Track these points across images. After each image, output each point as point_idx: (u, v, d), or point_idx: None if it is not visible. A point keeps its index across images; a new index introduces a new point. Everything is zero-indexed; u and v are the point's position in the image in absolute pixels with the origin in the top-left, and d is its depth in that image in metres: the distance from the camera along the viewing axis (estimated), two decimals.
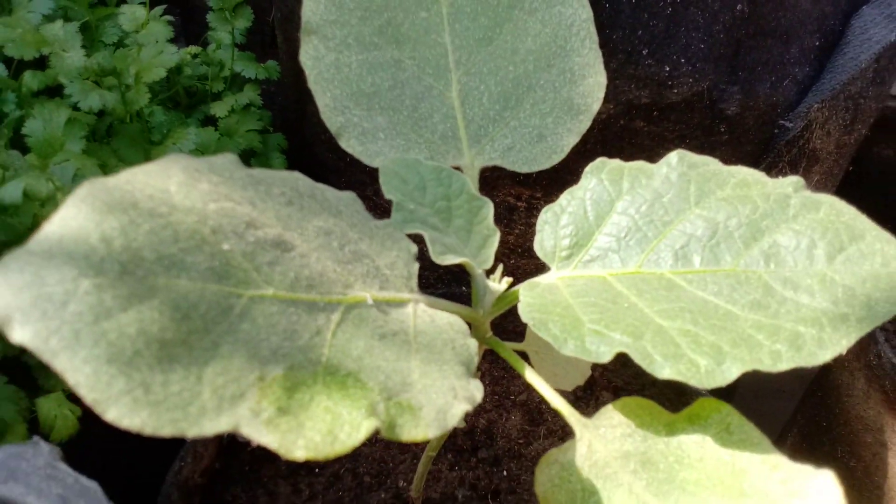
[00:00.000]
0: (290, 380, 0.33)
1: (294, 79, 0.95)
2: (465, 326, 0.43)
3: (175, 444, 0.64)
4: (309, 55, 0.53)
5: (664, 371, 0.38)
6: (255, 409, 0.31)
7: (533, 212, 0.79)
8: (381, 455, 0.73)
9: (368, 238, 0.44)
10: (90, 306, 0.29)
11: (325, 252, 0.41)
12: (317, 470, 0.71)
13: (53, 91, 0.75)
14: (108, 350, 0.29)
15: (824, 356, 0.38)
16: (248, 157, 0.81)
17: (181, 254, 0.33)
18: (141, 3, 0.90)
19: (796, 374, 1.31)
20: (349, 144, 0.53)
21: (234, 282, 0.35)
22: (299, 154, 0.92)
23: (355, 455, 0.72)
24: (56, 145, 0.61)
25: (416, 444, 0.75)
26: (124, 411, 0.28)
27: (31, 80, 0.65)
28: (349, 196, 0.46)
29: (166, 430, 0.29)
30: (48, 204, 0.59)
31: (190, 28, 1.24)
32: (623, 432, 0.43)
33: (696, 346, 0.39)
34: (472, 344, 0.42)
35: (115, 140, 0.68)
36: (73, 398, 0.56)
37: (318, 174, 0.93)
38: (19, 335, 0.28)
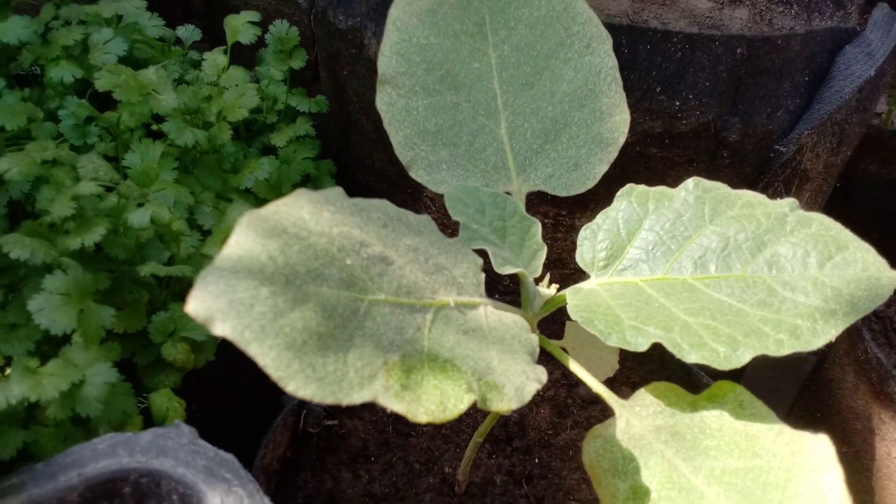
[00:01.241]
0: (405, 364, 0.43)
1: (338, 111, 1.05)
2: (527, 324, 0.53)
3: (255, 436, 0.73)
4: (384, 101, 0.63)
5: (691, 356, 0.48)
6: (386, 385, 0.41)
7: (559, 227, 0.89)
8: (429, 445, 0.83)
9: (445, 253, 0.54)
10: (270, 307, 0.39)
11: (415, 265, 0.51)
12: (373, 458, 0.80)
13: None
14: (286, 340, 0.39)
15: (818, 343, 0.48)
16: (305, 183, 0.91)
17: (321, 267, 0.43)
18: (196, 45, 1.00)
19: (792, 375, 1.41)
20: (418, 175, 0.63)
21: (357, 289, 0.45)
22: (344, 179, 1.02)
23: (405, 445, 0.82)
24: (152, 176, 0.71)
25: (458, 436, 0.84)
26: (300, 385, 0.38)
27: (128, 118, 0.75)
28: (426, 219, 0.56)
29: (329, 399, 0.39)
30: (152, 229, 0.69)
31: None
32: (654, 410, 0.53)
33: (715, 336, 0.49)
34: (534, 338, 0.52)
35: (197, 170, 0.77)
36: (178, 392, 0.66)
37: (361, 196, 1.03)
38: (220, 329, 0.38)
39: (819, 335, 0.48)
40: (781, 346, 0.48)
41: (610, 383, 0.91)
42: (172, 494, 0.48)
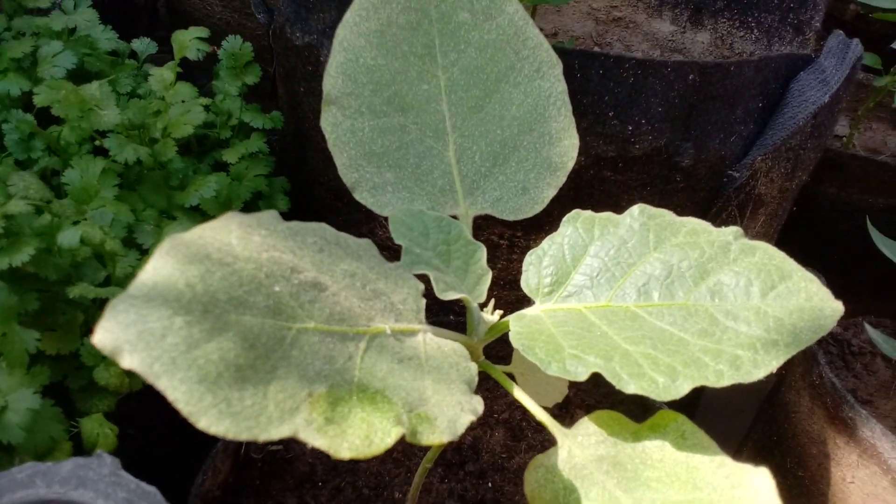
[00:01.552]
0: (332, 396, 0.42)
1: (294, 127, 1.03)
2: (466, 352, 0.52)
3: (194, 461, 0.71)
4: (329, 122, 0.62)
5: (630, 387, 0.47)
6: (308, 419, 0.40)
7: (514, 249, 0.89)
8: (378, 469, 0.81)
9: (384, 278, 0.53)
10: (183, 338, 0.37)
11: (350, 291, 0.49)
12: (320, 483, 0.78)
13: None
14: (198, 373, 0.37)
15: (758, 374, 0.47)
16: (257, 200, 0.89)
17: (245, 295, 0.42)
18: (150, 60, 0.98)
19: (754, 396, 1.40)
20: (362, 196, 0.61)
21: (284, 317, 0.43)
22: (299, 195, 1.01)
23: (355, 469, 0.80)
24: (92, 192, 0.69)
25: (409, 460, 0.83)
26: (212, 420, 0.36)
27: (69, 134, 0.73)
28: (366, 243, 0.55)
29: (243, 436, 0.37)
30: (85, 248, 0.66)
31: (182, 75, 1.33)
32: (597, 440, 0.52)
33: (655, 366, 0.48)
34: (473, 367, 0.50)
35: (141, 187, 0.76)
36: (110, 418, 0.63)
37: (317, 213, 1.02)
38: (128, 362, 0.36)
39: (759, 366, 0.47)
40: (721, 377, 0.47)
41: (564, 407, 0.90)
42: None
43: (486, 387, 0.91)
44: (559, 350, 0.50)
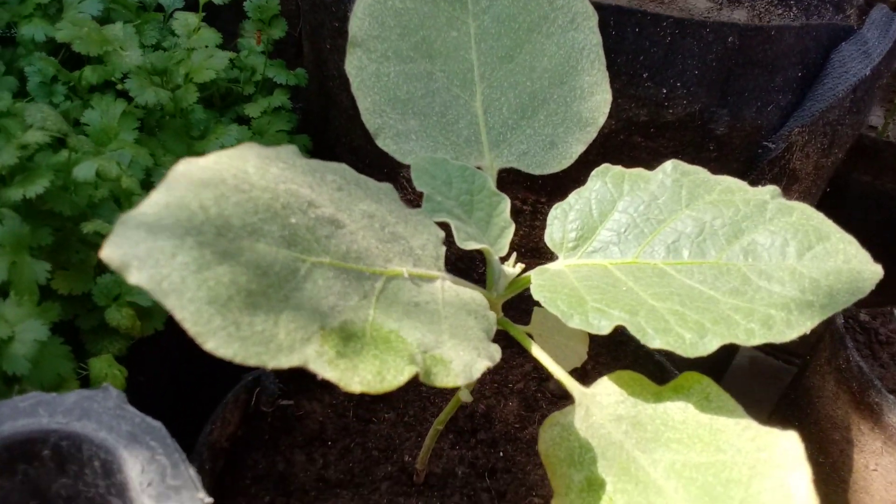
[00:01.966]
0: (345, 331, 0.40)
1: (319, 86, 1.02)
2: (486, 301, 0.50)
3: (204, 412, 0.70)
4: (353, 65, 0.60)
5: (655, 342, 0.45)
6: (320, 350, 0.38)
7: (537, 215, 0.86)
8: (389, 432, 0.79)
9: (404, 223, 0.51)
10: (194, 258, 0.36)
11: (368, 231, 0.48)
12: (329, 443, 0.77)
13: (94, 87, 0.82)
14: (209, 294, 0.35)
15: (791, 334, 0.45)
16: None
17: (260, 223, 0.40)
18: (185, 10, 0.97)
19: (772, 385, 1.37)
20: (385, 143, 0.60)
21: (300, 249, 0.41)
22: (321, 155, 0.99)
23: (365, 431, 0.79)
24: (111, 134, 0.68)
25: (420, 425, 0.81)
26: (220, 343, 0.35)
27: (90, 74, 0.72)
28: (387, 186, 0.53)
29: (252, 361, 0.35)
30: (102, 186, 0.65)
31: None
32: (616, 399, 0.50)
33: (682, 322, 0.45)
34: (492, 315, 0.49)
35: (162, 133, 0.74)
36: (121, 362, 0.62)
37: None
38: (136, 278, 0.35)
39: (793, 326, 0.45)
40: (752, 335, 0.45)
41: (582, 378, 0.88)
42: (94, 460, 0.45)
43: (503, 357, 0.89)
44: (582, 303, 0.48)
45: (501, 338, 0.62)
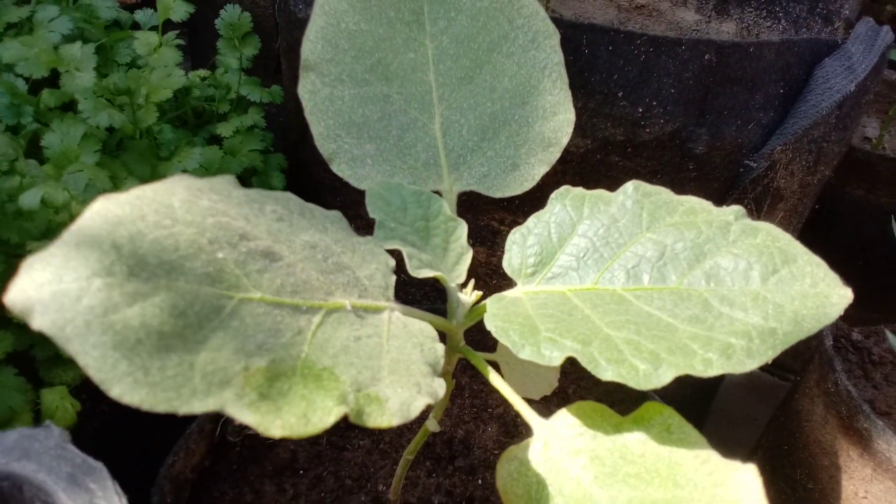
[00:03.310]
0: (272, 371, 0.38)
1: (296, 103, 1.00)
2: (435, 333, 0.48)
3: (168, 442, 0.68)
4: (306, 89, 0.58)
5: (607, 373, 0.42)
6: (240, 393, 0.36)
7: (506, 226, 0.84)
8: (363, 460, 0.77)
9: (351, 252, 0.49)
10: (100, 301, 0.34)
11: (310, 263, 0.46)
12: (301, 472, 0.75)
13: (68, 107, 0.81)
14: (114, 338, 0.34)
15: (752, 364, 0.43)
16: (251, 176, 0.86)
17: (181, 260, 0.38)
18: (153, 29, 0.96)
19: (768, 404, 1.34)
20: (340, 168, 0.58)
21: (226, 285, 0.40)
22: (298, 173, 0.98)
23: (338, 459, 0.77)
24: (71, 157, 0.67)
25: (396, 452, 0.79)
26: (126, 389, 0.33)
27: (48, 97, 0.71)
28: (335, 214, 0.51)
29: (161, 407, 0.34)
30: (62, 211, 0.64)
31: (199, 51, 1.31)
32: (575, 432, 0.48)
33: (637, 352, 0.43)
34: (440, 347, 0.47)
35: (125, 155, 0.73)
36: (74, 392, 0.61)
37: (315, 192, 0.98)
38: (38, 323, 0.33)
39: (754, 356, 0.43)
40: (710, 365, 0.42)
41: (563, 403, 0.86)
42: (35, 501, 0.43)
43: (482, 380, 0.87)
44: (535, 333, 0.46)
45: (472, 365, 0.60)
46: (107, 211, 0.38)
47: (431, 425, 0.62)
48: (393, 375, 0.42)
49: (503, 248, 0.88)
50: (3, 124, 0.78)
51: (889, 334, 0.87)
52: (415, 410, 0.40)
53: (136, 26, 1.01)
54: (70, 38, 0.87)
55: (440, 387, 0.43)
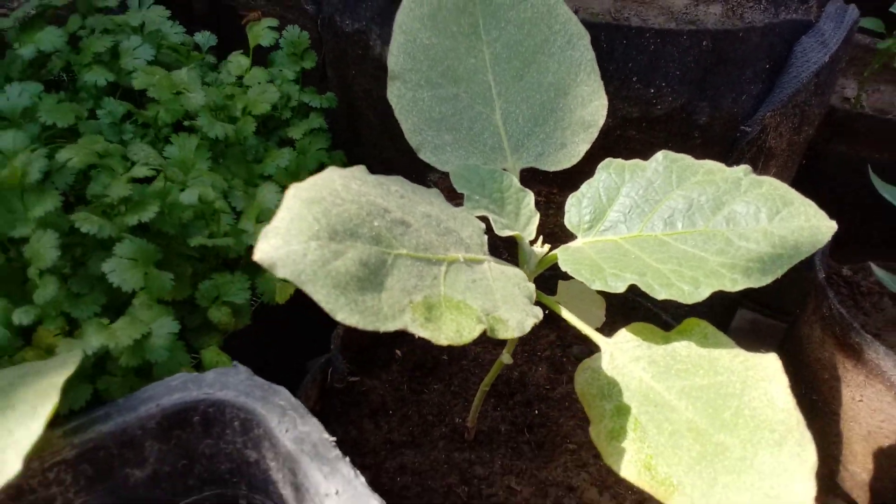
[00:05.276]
0: (426, 303, 0.53)
1: (347, 107, 1.14)
2: (525, 275, 0.63)
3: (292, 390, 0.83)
4: (394, 94, 0.73)
5: (661, 294, 0.58)
6: (412, 318, 0.51)
7: (550, 205, 0.99)
8: (439, 400, 0.92)
9: (452, 219, 0.64)
10: (318, 257, 0.49)
11: (428, 228, 0.60)
12: (390, 412, 0.90)
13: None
14: (332, 281, 0.48)
15: (766, 280, 0.58)
16: (319, 171, 1.00)
17: (355, 227, 0.53)
18: (210, 51, 1.10)
19: (772, 343, 1.49)
20: (426, 156, 0.73)
21: (385, 245, 0.54)
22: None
23: (419, 401, 0.92)
24: (189, 164, 0.81)
25: (466, 392, 0.94)
26: (346, 315, 0.48)
27: (164, 115, 0.85)
28: (435, 191, 0.66)
29: (370, 326, 0.48)
30: (210, 205, 0.78)
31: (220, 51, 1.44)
32: (634, 345, 0.63)
33: (681, 278, 0.58)
34: (531, 285, 0.62)
35: (226, 161, 0.87)
36: (223, 349, 0.75)
37: None
38: (281, 273, 0.48)
39: (767, 273, 0.58)
40: (736, 283, 0.58)
41: (612, 332, 1.01)
42: (234, 421, 0.58)
43: (532, 329, 1.02)
44: (601, 270, 0.61)
45: None
46: (300, 195, 0.52)
47: (506, 358, 0.77)
48: (506, 304, 0.57)
49: (542, 214, 1.03)
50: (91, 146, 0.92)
51: (874, 267, 1.02)
52: (527, 326, 0.55)
53: (196, 48, 1.14)
54: (150, 64, 1.01)
55: (539, 312, 0.58)
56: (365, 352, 0.94)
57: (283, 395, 0.58)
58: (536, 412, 0.93)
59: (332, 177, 0.57)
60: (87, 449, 0.53)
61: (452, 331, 0.51)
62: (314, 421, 0.55)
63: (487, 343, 1.01)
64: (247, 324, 0.78)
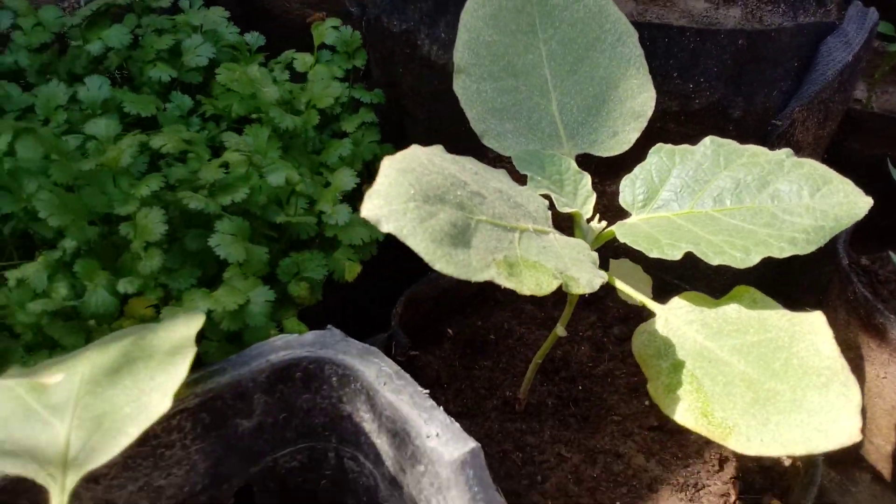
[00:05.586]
0: (507, 261, 0.59)
1: (393, 103, 1.21)
2: (587, 245, 0.69)
3: None
4: (459, 86, 0.79)
5: (715, 260, 0.63)
6: (497, 272, 0.57)
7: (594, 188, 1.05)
8: (489, 376, 0.98)
9: (519, 195, 0.70)
10: (417, 215, 0.55)
11: (500, 201, 0.67)
12: (445, 385, 0.96)
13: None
14: (430, 236, 0.54)
15: (810, 248, 0.64)
16: (374, 161, 1.07)
17: (442, 194, 0.59)
18: (260, 51, 1.16)
19: None
20: (489, 142, 0.79)
21: (468, 211, 0.60)
22: None
23: (470, 376, 0.97)
24: (262, 153, 0.87)
25: (514, 368, 1.00)
26: (443, 266, 0.54)
27: (238, 107, 0.91)
28: (503, 171, 0.72)
29: (463, 276, 0.54)
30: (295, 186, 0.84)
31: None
32: (687, 310, 0.69)
33: (733, 247, 0.64)
34: (594, 253, 0.68)
35: (291, 151, 0.94)
36: (301, 319, 0.81)
37: None
38: (386, 228, 0.54)
39: (811, 243, 0.64)
40: (783, 251, 0.64)
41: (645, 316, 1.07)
42: (332, 377, 0.64)
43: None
44: (658, 242, 0.67)
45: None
46: (395, 165, 0.58)
47: (560, 331, 0.83)
48: (574, 266, 0.63)
49: None
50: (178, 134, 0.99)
51: (893, 255, 1.08)
52: (596, 284, 0.61)
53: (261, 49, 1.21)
54: (209, 62, 1.08)
55: (604, 275, 0.64)
56: (419, 331, 1.00)
57: (377, 354, 0.64)
58: (580, 388, 0.99)
59: (418, 153, 0.63)
60: (207, 399, 0.59)
61: (533, 284, 0.57)
62: (407, 376, 0.61)
63: (531, 324, 1.07)
64: (318, 299, 0.84)
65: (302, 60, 1.01)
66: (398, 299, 0.98)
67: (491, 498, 0.55)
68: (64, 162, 0.70)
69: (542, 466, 0.86)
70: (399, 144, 1.24)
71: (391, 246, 1.00)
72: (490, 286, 0.99)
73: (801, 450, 0.54)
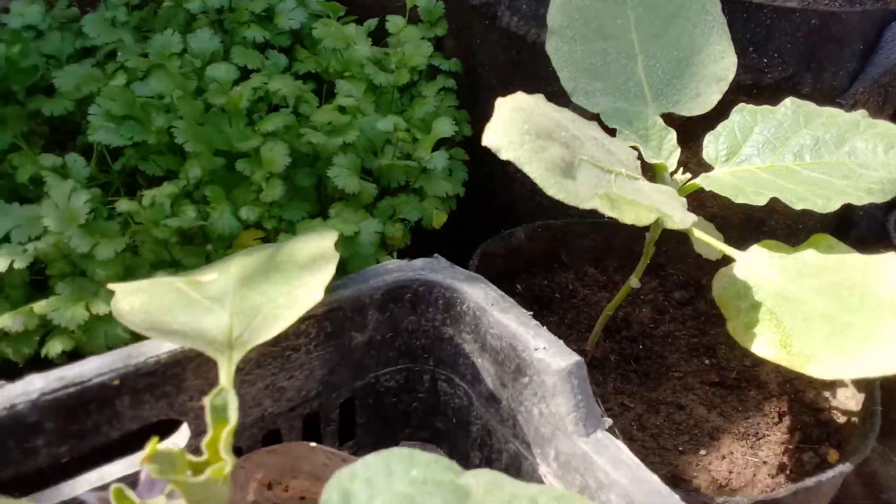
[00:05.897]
0: (607, 196, 0.64)
1: (467, 74, 1.27)
2: (675, 190, 0.74)
3: None
4: (552, 47, 0.85)
5: (798, 205, 0.68)
6: (601, 203, 0.62)
7: None
8: (556, 331, 1.02)
9: (611, 144, 0.75)
10: (532, 147, 0.60)
11: (596, 147, 0.72)
12: None
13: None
14: (544, 165, 0.60)
15: (885, 197, 0.68)
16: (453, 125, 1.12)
17: (549, 133, 0.65)
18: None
19: None
20: (578, 99, 0.84)
21: (571, 150, 0.66)
22: (473, 126, 1.24)
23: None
24: (362, 106, 0.93)
25: (578, 325, 1.05)
26: (556, 191, 0.59)
27: (335, 62, 0.98)
28: (594, 124, 0.77)
29: (572, 202, 0.60)
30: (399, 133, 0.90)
31: None
32: (766, 255, 0.73)
33: (814, 195, 0.69)
34: (683, 198, 0.73)
35: (380, 107, 1.00)
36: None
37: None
38: (505, 155, 0.59)
39: (887, 193, 0.69)
40: (861, 199, 0.68)
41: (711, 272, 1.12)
42: (439, 300, 0.69)
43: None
44: (742, 190, 0.72)
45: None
46: (508, 105, 0.64)
47: (634, 283, 0.88)
48: (667, 206, 0.68)
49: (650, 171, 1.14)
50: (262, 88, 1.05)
51: None
52: (689, 221, 0.66)
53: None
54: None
55: (693, 216, 0.69)
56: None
57: (482, 279, 0.69)
58: (641, 347, 1.04)
59: (524, 97, 0.68)
60: (332, 308, 0.65)
61: (633, 215, 0.63)
62: (511, 299, 0.66)
63: (594, 286, 1.12)
64: (406, 243, 0.90)
65: (394, 22, 1.07)
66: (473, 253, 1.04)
67: (591, 407, 0.61)
68: (189, 99, 0.77)
69: (607, 413, 0.91)
70: (472, 112, 1.30)
71: (466, 208, 1.06)
72: (556, 247, 1.05)
73: (875, 372, 0.59)
